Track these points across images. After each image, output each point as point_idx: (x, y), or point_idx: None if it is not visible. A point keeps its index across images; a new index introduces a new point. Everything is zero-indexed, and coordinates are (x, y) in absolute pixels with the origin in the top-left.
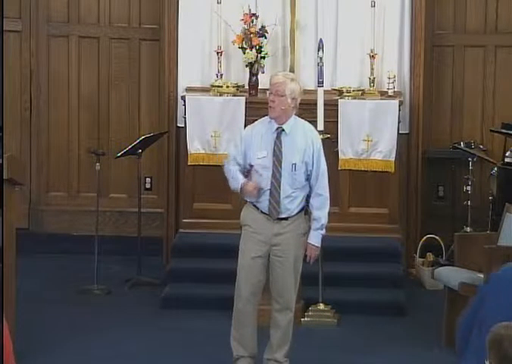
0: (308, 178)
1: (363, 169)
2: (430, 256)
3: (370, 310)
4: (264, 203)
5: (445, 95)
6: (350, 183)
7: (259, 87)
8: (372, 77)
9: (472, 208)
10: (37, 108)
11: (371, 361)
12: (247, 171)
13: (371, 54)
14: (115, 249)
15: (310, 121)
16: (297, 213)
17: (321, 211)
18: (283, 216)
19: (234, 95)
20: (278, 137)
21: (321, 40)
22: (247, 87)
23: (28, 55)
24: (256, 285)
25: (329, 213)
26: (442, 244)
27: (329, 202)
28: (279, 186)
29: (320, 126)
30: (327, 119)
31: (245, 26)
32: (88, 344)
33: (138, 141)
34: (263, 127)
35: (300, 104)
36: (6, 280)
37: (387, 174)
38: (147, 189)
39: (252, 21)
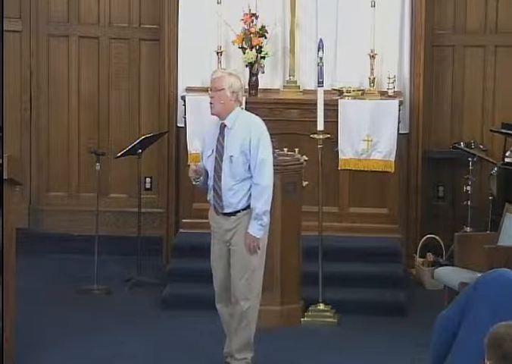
0: (250, 169)
1: (363, 169)
2: (430, 256)
3: (370, 310)
4: (211, 199)
5: (445, 95)
6: (350, 183)
7: (259, 87)
8: (372, 77)
9: (472, 208)
10: (37, 108)
11: (371, 361)
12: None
13: (371, 54)
14: (115, 249)
15: (310, 121)
16: (244, 209)
17: (256, 200)
18: (228, 211)
19: None
20: (221, 133)
21: (321, 40)
22: (247, 87)
23: (28, 55)
24: (224, 281)
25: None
26: (442, 244)
27: (267, 191)
28: (220, 180)
29: (320, 126)
30: (327, 119)
31: (245, 26)
32: (89, 344)
33: (138, 141)
34: (215, 124)
35: (300, 104)
36: (6, 280)
37: (387, 174)
38: (147, 189)
39: (252, 21)
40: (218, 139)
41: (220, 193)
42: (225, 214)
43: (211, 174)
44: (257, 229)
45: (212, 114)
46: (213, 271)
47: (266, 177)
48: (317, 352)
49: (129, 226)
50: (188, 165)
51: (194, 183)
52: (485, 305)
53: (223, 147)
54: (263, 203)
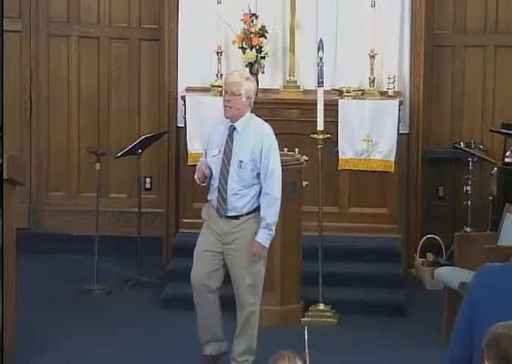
0: (258, 176)
1: (363, 169)
2: (430, 256)
3: (370, 310)
4: (214, 200)
5: (445, 95)
6: (350, 183)
7: (259, 87)
8: (372, 77)
9: (472, 208)
10: (37, 108)
11: (371, 361)
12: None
13: (371, 54)
14: (115, 249)
15: (310, 121)
16: (248, 213)
17: (266, 210)
18: (232, 214)
19: None
20: (230, 135)
21: (321, 40)
22: None
23: (28, 55)
24: (210, 274)
25: (329, 213)
26: (442, 244)
27: (278, 202)
28: (226, 184)
29: (320, 126)
30: (327, 119)
31: (245, 26)
32: (89, 344)
33: (138, 141)
34: (222, 125)
35: (300, 104)
36: (6, 280)
37: (387, 174)
38: (147, 189)
39: (252, 21)
40: (227, 140)
41: (225, 197)
42: (227, 217)
43: (217, 175)
44: (267, 238)
45: (226, 117)
46: (197, 264)
47: (277, 188)
48: (317, 352)
49: (129, 226)
50: (189, 166)
51: (198, 182)
52: (489, 309)
53: (231, 150)
54: (274, 213)
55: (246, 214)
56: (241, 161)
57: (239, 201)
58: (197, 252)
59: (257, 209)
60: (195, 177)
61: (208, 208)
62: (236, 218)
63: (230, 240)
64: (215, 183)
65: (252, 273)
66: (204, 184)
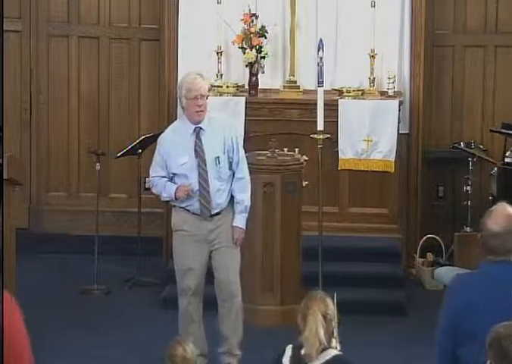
0: (231, 166)
1: (363, 169)
2: (430, 256)
3: (370, 310)
4: (195, 205)
5: (445, 95)
6: (350, 183)
7: (259, 87)
8: (372, 77)
9: (472, 208)
10: (37, 108)
11: (371, 361)
12: (171, 179)
13: (371, 54)
14: (115, 249)
15: (310, 121)
16: (227, 205)
17: (243, 194)
18: (216, 211)
19: (234, 95)
20: (197, 137)
21: (321, 40)
22: (247, 87)
23: (28, 55)
24: (200, 282)
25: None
26: (442, 244)
27: (250, 185)
28: (207, 184)
29: (320, 126)
30: (327, 119)
31: (245, 26)
32: (89, 344)
33: (138, 141)
34: (179, 131)
35: (300, 104)
36: (6, 280)
37: (387, 174)
38: (147, 189)
39: (252, 21)
40: (195, 143)
41: (209, 197)
42: (211, 215)
43: (194, 179)
44: (244, 221)
45: (199, 121)
46: (189, 272)
47: (247, 171)
48: None
49: (129, 226)
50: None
51: (172, 201)
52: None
53: (203, 150)
54: (249, 196)
55: (224, 208)
56: (217, 158)
57: (222, 197)
58: (187, 261)
59: (231, 200)
60: (165, 195)
61: (180, 215)
62: (217, 213)
63: (215, 235)
64: (194, 187)
65: (238, 262)
66: (176, 203)
